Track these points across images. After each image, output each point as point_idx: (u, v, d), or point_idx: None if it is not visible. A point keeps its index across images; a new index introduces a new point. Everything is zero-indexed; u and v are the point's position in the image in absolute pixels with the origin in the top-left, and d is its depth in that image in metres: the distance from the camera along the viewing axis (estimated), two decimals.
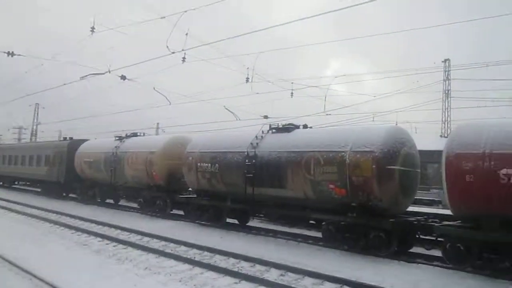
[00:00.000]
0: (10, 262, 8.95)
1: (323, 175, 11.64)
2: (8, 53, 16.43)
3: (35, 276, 7.94)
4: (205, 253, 10.70)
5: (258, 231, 14.63)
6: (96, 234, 12.90)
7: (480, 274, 9.09)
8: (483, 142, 9.22)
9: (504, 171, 8.75)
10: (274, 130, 14.16)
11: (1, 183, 35.59)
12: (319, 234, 12.77)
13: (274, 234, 14.10)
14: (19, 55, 16.85)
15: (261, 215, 16.89)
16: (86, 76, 17.82)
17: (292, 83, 23.82)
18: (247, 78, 20.70)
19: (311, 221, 14.88)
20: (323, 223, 12.16)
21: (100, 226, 14.64)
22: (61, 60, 19.89)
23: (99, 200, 22.55)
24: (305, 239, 13.28)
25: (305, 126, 14.12)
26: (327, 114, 23.56)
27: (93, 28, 16.24)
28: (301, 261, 9.85)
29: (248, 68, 20.43)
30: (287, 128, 13.87)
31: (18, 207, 19.79)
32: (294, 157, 12.38)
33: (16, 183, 34.64)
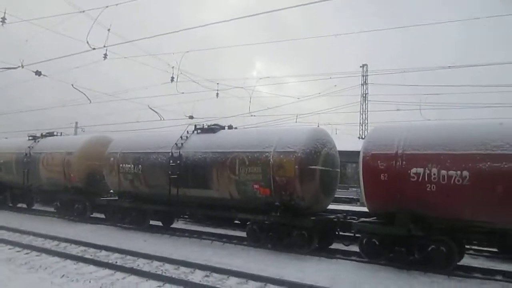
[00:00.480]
0: None
1: (248, 176, 11.79)
2: None
3: None
4: (128, 257, 10.36)
5: (182, 233, 14.48)
6: (6, 242, 11.97)
7: (392, 267, 9.74)
8: (396, 144, 9.90)
9: (414, 170, 9.45)
10: (199, 131, 14.09)
11: None
12: (244, 234, 12.91)
13: (199, 235, 14.04)
14: None
15: (186, 216, 16.74)
16: None
17: (217, 83, 23.84)
18: (172, 78, 20.36)
19: (236, 221, 15.02)
20: (248, 223, 12.32)
21: (10, 233, 13.59)
22: None
23: (10, 205, 21.00)
24: (230, 239, 13.37)
25: (230, 127, 14.23)
26: (251, 115, 23.85)
27: (3, 18, 15.09)
28: (226, 261, 9.90)
29: (173, 67, 20.11)
30: (213, 129, 13.86)
31: None
32: (219, 157, 12.41)
33: None
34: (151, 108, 22.17)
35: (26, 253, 10.66)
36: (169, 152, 13.55)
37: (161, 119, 22.51)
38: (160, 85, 22.29)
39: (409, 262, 9.82)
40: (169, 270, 9.21)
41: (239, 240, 13.03)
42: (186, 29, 12.94)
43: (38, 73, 17.53)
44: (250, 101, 23.21)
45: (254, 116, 24.01)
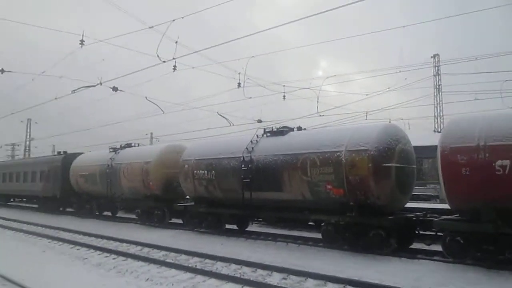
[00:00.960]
0: (8, 280, 8.84)
1: (320, 176, 11.65)
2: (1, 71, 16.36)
3: None
4: (207, 260, 10.66)
5: (257, 236, 14.62)
6: (96, 248, 12.82)
7: (480, 266, 9.13)
8: (477, 135, 9.29)
9: (499, 162, 8.81)
10: (268, 134, 14.18)
11: None
12: (319, 235, 12.77)
13: (274, 237, 14.09)
14: (9, 71, 16.75)
15: (260, 220, 16.88)
16: (78, 89, 17.71)
17: (284, 85, 23.86)
18: (239, 83, 20.69)
19: (310, 223, 14.90)
20: (322, 224, 12.17)
21: (99, 239, 14.55)
22: (52, 74, 19.76)
23: (96, 213, 22.45)
24: (305, 241, 13.30)
25: (299, 128, 14.17)
26: (320, 115, 23.59)
27: (82, 40, 16.18)
28: (302, 263, 9.86)
29: (239, 73, 20.44)
30: (282, 131, 13.90)
31: (15, 225, 19.64)
32: (290, 159, 12.40)
33: (12, 200, 34.40)
34: (220, 115, 22.70)
35: (114, 258, 11.32)
36: (240, 157, 13.77)
37: (230, 124, 22.97)
38: (228, 92, 22.72)
39: (499, 262, 9.16)
40: (247, 273, 9.34)
41: (314, 242, 12.92)
42: (249, 35, 13.10)
43: (115, 89, 18.62)
44: (317, 101, 22.99)
45: (323, 116, 23.74)
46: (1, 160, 57.73)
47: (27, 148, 66.34)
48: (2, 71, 16.85)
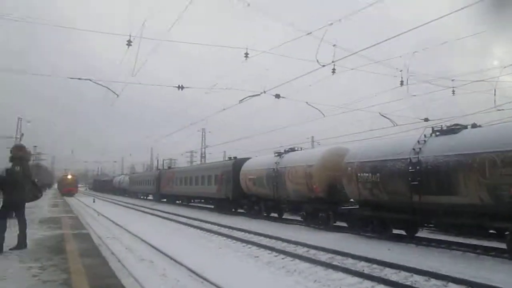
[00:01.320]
0: (195, 273, 9.88)
1: (502, 178, 10.35)
2: (178, 87, 18.51)
3: (216, 286, 8.64)
4: (374, 265, 10.35)
5: (428, 242, 13.68)
6: (265, 247, 13.52)
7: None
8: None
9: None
10: (438, 133, 13.17)
11: (180, 201, 40.13)
12: (502, 245, 11.34)
13: (448, 245, 13.00)
14: (187, 87, 18.83)
15: (431, 225, 15.73)
16: (244, 99, 19.02)
17: (452, 80, 21.90)
18: (402, 81, 19.71)
19: (491, 231, 13.33)
20: (507, 232, 10.77)
21: (268, 239, 15.31)
22: (221, 87, 21.63)
23: (264, 214, 23.66)
24: (486, 250, 11.94)
25: (474, 126, 12.80)
26: (498, 110, 20.98)
27: (246, 54, 17.34)
28: (483, 275, 8.89)
29: (401, 71, 19.47)
30: (453, 129, 12.76)
31: (195, 223, 21.92)
32: (464, 160, 11.30)
33: (192, 201, 38.54)
34: (382, 115, 21.95)
35: (282, 258, 11.79)
36: (407, 158, 13.08)
37: (394, 125, 22.02)
38: (390, 91, 21.83)
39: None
40: (419, 281, 8.79)
41: (497, 252, 11.51)
42: (411, 29, 12.29)
43: (277, 96, 19.51)
44: (494, 94, 20.51)
45: (502, 110, 21.06)
46: (182, 166, 65.37)
47: (203, 155, 73.77)
48: (181, 87, 19.06)
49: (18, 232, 8.43)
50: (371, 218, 15.01)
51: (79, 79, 16.44)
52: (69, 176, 70.81)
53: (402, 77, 19.34)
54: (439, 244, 13.31)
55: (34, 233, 11.18)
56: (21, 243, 8.44)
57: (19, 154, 8.48)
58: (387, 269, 9.95)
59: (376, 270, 9.93)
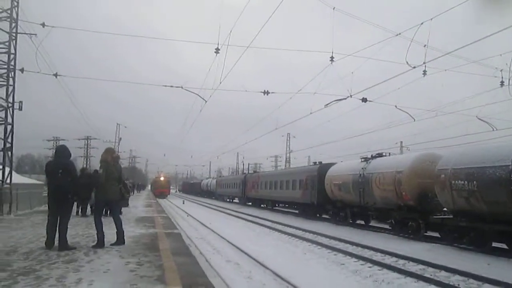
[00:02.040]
0: (280, 277, 9.91)
1: None
2: (264, 92, 18.81)
3: None
4: (471, 280, 9.63)
5: None
6: (351, 255, 13.19)
7: None
8: None
9: None
10: None
11: (264, 205, 40.60)
12: None
13: None
14: (273, 92, 19.06)
15: None
16: (330, 103, 18.79)
17: None
18: (502, 82, 18.24)
19: None
20: None
21: (354, 247, 14.92)
22: (306, 91, 21.58)
23: (350, 221, 23.09)
24: None
25: None
26: None
27: (332, 57, 17.14)
28: None
29: (501, 70, 18.01)
30: None
31: (280, 227, 22.03)
32: None
33: (276, 205, 38.80)
34: (480, 119, 20.47)
35: (369, 267, 11.41)
36: (508, 165, 12.03)
37: (493, 129, 20.45)
38: (488, 92, 20.29)
39: None
40: None
41: None
42: (508, 27, 11.30)
43: (364, 100, 19.03)
44: None
45: None
46: (267, 170, 66.17)
47: (287, 159, 74.18)
48: (267, 92, 19.33)
49: (116, 230, 9.07)
50: (467, 229, 13.98)
51: (171, 86, 17.38)
52: (162, 178, 72.55)
53: (502, 77, 17.94)
54: None
55: (131, 231, 11.98)
56: (120, 240, 9.09)
57: (104, 157, 9.19)
58: (486, 285, 9.22)
59: (473, 286, 9.25)
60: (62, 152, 8.61)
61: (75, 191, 8.64)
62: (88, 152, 67.70)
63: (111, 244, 8.80)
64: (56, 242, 8.09)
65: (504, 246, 13.86)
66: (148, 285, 5.12)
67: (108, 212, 11.36)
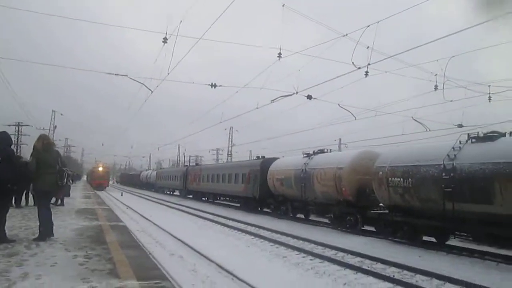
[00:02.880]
0: (225, 270, 9.98)
1: None
2: (211, 85, 18.70)
3: (248, 284, 8.71)
4: (405, 272, 10.23)
5: (459, 251, 13.38)
6: (293, 247, 13.52)
7: None
8: None
9: None
10: (474, 140, 12.89)
11: (205, 198, 40.48)
12: None
13: (481, 255, 12.70)
14: (220, 85, 19.00)
15: (463, 234, 15.41)
16: (276, 98, 19.04)
17: (489, 86, 21.36)
18: (436, 86, 19.37)
19: None
20: None
21: (295, 240, 15.30)
22: (253, 86, 21.72)
23: (291, 215, 23.61)
24: None
25: None
26: None
27: (280, 54, 17.36)
28: None
29: (436, 75, 19.13)
30: (491, 137, 12.46)
31: (222, 220, 22.10)
32: (502, 168, 11.04)
33: (218, 198, 38.82)
34: (415, 120, 21.63)
35: (311, 259, 11.78)
36: (441, 164, 12.86)
37: (426, 130, 21.67)
38: (423, 95, 21.49)
39: None
40: None
41: None
42: (448, 35, 12.06)
43: (309, 97, 19.46)
44: None
45: None
46: (209, 163, 65.94)
47: (229, 153, 74.31)
48: (214, 85, 19.23)
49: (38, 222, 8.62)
50: (401, 223, 14.81)
51: (116, 74, 16.84)
52: (100, 168, 66.94)
53: (436, 82, 19.04)
54: (471, 253, 13.01)
55: (74, 223, 11.56)
56: (42, 235, 8.42)
57: (35, 144, 8.71)
58: (419, 275, 9.83)
59: (407, 277, 9.81)
60: (2, 139, 8.09)
61: (15, 180, 8.15)
62: (19, 139, 63.83)
63: (34, 239, 8.25)
64: None
65: (433, 239, 14.81)
66: (100, 279, 4.98)
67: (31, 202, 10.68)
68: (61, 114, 60.11)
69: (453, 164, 12.52)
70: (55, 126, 56.96)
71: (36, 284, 4.71)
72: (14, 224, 10.21)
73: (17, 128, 63.76)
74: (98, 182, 60.76)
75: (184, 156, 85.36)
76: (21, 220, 11.43)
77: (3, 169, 7.63)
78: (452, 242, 15.10)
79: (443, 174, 12.67)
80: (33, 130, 54.77)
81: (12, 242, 7.64)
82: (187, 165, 59.37)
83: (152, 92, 18.42)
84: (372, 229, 17.63)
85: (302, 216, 23.71)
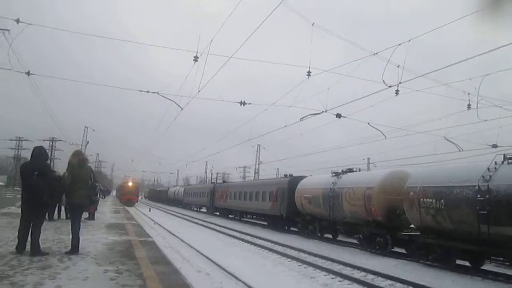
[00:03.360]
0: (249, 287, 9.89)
1: None
2: (241, 103, 18.86)
3: None
4: None
5: (496, 276, 12.84)
6: (321, 268, 13.30)
7: None
8: None
9: None
10: (510, 161, 12.47)
11: (232, 216, 40.43)
12: None
13: None
14: (249, 103, 19.14)
15: (500, 258, 14.82)
16: (305, 117, 19.01)
17: None
18: (469, 105, 18.95)
19: None
20: None
21: (323, 260, 15.05)
22: (282, 104, 21.79)
23: (318, 235, 23.27)
24: None
25: None
26: None
27: (309, 72, 17.39)
28: None
29: (469, 94, 18.74)
30: None
31: (249, 238, 22.00)
32: None
33: (244, 216, 38.69)
34: (447, 139, 21.16)
35: (339, 281, 11.56)
36: (475, 186, 12.47)
37: (459, 150, 21.16)
38: (456, 114, 21.05)
39: None
40: None
41: None
42: (481, 53, 11.85)
43: (338, 115, 19.34)
44: None
45: None
46: (236, 180, 66.08)
47: (256, 171, 74.34)
48: (243, 103, 19.39)
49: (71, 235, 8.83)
50: (433, 246, 14.36)
51: (147, 92, 17.20)
52: (130, 183, 63.58)
53: (469, 101, 18.64)
54: (508, 279, 12.47)
55: (104, 237, 11.73)
56: (74, 248, 8.60)
57: (70, 160, 9.00)
58: None
59: None
60: (39, 154, 8.37)
61: (50, 194, 8.38)
62: (52, 154, 65.67)
63: (66, 253, 8.42)
64: (27, 247, 7.81)
65: (467, 263, 14.29)
66: None
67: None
68: (93, 130, 61.63)
69: (488, 185, 12.12)
70: (87, 142, 58.41)
71: None
72: (47, 237, 10.42)
73: (51, 143, 65.80)
74: (127, 198, 58.71)
75: (212, 173, 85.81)
76: (54, 233, 11.66)
77: (39, 182, 7.88)
78: (488, 267, 14.56)
79: (478, 196, 12.27)
80: (67, 145, 56.37)
81: (46, 255, 7.80)
82: (214, 182, 59.65)
83: (182, 109, 18.70)
84: (402, 251, 17.15)
85: (330, 236, 23.30)
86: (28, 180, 7.99)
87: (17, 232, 8.21)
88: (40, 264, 6.85)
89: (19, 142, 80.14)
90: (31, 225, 7.89)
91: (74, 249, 8.48)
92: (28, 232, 7.84)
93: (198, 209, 55.77)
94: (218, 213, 44.67)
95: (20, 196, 9.26)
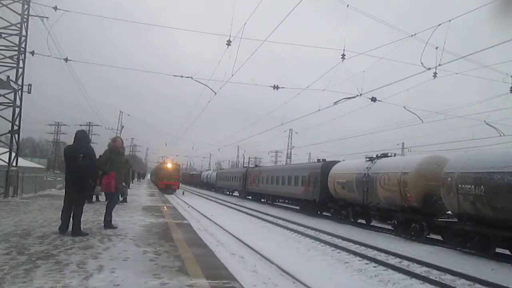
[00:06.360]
0: (287, 273, 9.95)
1: None
2: (274, 87, 18.78)
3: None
4: (476, 285, 9.68)
5: None
6: (355, 253, 13.22)
7: None
8: None
9: None
10: None
11: (264, 200, 40.65)
12: None
13: None
14: (282, 87, 19.03)
15: None
16: (339, 101, 18.76)
17: None
18: (511, 88, 18.21)
19: None
20: None
21: (357, 246, 14.95)
22: (315, 88, 21.57)
23: (351, 220, 23.11)
24: None
25: None
26: None
27: (343, 55, 17.10)
28: None
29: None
30: None
31: (281, 222, 22.06)
32: None
33: (277, 200, 38.82)
34: (488, 124, 20.46)
35: (374, 267, 11.45)
36: None
37: (500, 134, 20.45)
38: (497, 98, 20.28)
39: None
40: None
41: None
42: None
43: (373, 99, 18.98)
44: None
45: None
46: (268, 165, 66.25)
47: (288, 155, 74.29)
48: (276, 87, 19.30)
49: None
50: (471, 233, 14.02)
51: (181, 76, 17.35)
52: (170, 165, 50.13)
53: None
54: None
55: (141, 219, 12.03)
56: (108, 222, 9.62)
57: (109, 145, 9.97)
58: None
59: None
60: (82, 137, 8.65)
61: (94, 176, 8.69)
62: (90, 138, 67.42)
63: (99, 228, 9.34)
64: (69, 227, 8.12)
65: (507, 252, 13.90)
66: (171, 276, 5.11)
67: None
68: (128, 115, 62.96)
69: None
70: (123, 126, 59.68)
71: (111, 277, 4.91)
72: (88, 218, 10.76)
73: (88, 128, 67.73)
74: (165, 183, 46.63)
75: (244, 157, 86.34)
76: (93, 214, 12.03)
77: (84, 165, 8.17)
78: None
79: None
80: (102, 130, 57.84)
81: (86, 235, 8.08)
82: (246, 166, 59.94)
83: (215, 93, 18.80)
84: (438, 237, 16.84)
85: (363, 221, 23.12)
86: (72, 163, 8.27)
87: (59, 213, 8.57)
88: (82, 244, 7.09)
89: (58, 127, 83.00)
90: (73, 206, 8.18)
91: (107, 225, 9.46)
92: (71, 214, 8.14)
93: (230, 193, 56.32)
94: (250, 197, 45.00)
95: (60, 178, 9.69)
